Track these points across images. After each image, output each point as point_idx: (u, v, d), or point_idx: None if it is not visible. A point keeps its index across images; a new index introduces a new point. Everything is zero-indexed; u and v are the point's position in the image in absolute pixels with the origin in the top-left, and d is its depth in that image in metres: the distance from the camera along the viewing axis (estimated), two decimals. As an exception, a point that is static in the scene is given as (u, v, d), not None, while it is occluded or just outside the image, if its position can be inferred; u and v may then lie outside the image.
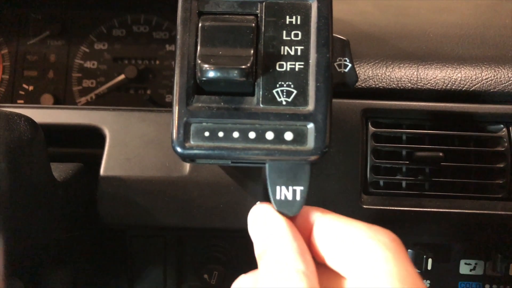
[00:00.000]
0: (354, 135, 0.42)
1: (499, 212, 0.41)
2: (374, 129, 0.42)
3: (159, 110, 0.41)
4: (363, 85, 0.42)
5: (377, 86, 0.42)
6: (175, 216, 0.38)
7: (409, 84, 0.42)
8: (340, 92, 0.41)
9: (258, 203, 0.26)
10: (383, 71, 0.43)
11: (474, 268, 0.47)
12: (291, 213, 0.25)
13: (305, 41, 0.25)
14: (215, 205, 0.38)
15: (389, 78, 0.42)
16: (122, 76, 0.57)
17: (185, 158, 0.25)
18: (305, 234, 0.25)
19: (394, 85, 0.42)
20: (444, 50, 0.45)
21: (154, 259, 0.45)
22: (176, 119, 0.25)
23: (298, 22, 0.25)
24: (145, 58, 0.59)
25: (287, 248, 0.23)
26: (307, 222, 0.25)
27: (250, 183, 0.37)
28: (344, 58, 0.26)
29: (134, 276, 0.46)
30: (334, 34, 0.26)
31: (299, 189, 0.25)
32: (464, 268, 0.47)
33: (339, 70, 0.26)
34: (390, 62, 0.43)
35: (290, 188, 0.25)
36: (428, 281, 0.47)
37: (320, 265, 0.24)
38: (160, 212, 0.39)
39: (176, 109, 0.25)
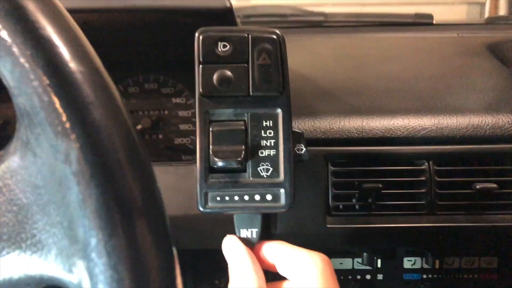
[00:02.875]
0: (318, 172, 0.57)
1: (425, 224, 0.57)
2: (333, 168, 0.57)
3: (177, 163, 0.56)
4: (323, 136, 0.58)
5: (333, 136, 0.58)
6: (194, 241, 0.54)
7: (356, 134, 0.57)
8: (309, 141, 0.57)
9: (227, 235, 0.42)
10: (338, 125, 0.58)
11: (414, 263, 0.63)
12: (251, 246, 0.41)
13: (275, 137, 0.41)
14: (221, 232, 0.54)
15: (342, 130, 0.58)
16: (139, 126, 0.71)
17: (205, 213, 0.41)
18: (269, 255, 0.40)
19: (345, 136, 0.57)
20: (382, 104, 0.61)
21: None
22: (199, 190, 0.40)
23: (271, 125, 0.41)
24: (156, 109, 0.73)
25: (246, 262, 0.39)
26: (271, 248, 0.41)
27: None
28: (300, 145, 0.42)
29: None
30: (293, 130, 0.41)
31: (254, 230, 0.41)
32: (407, 263, 0.63)
33: (297, 153, 0.41)
34: (343, 117, 0.59)
35: (249, 229, 0.41)
36: (381, 275, 0.64)
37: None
38: (183, 238, 0.54)
39: (198, 184, 0.40)
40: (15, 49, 0.19)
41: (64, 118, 0.19)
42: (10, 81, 0.20)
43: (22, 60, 0.19)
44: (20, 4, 0.20)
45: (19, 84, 0.20)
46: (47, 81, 0.19)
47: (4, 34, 0.19)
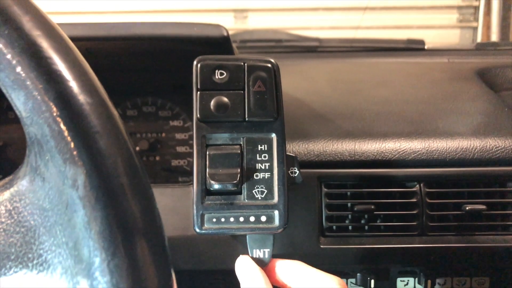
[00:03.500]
0: (312, 194, 0.58)
1: (416, 245, 0.58)
2: (326, 189, 0.59)
3: (174, 185, 0.58)
4: (317, 159, 0.59)
5: (327, 159, 0.59)
6: (190, 262, 0.55)
7: (349, 157, 0.59)
8: (303, 163, 0.59)
9: (240, 255, 0.43)
10: (331, 148, 0.60)
11: (407, 284, 0.64)
12: (263, 266, 0.42)
13: (270, 160, 0.42)
14: (216, 253, 0.55)
15: (335, 153, 0.60)
16: (136, 148, 0.73)
17: (201, 235, 0.42)
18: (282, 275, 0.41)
19: (338, 158, 0.59)
20: (374, 127, 0.63)
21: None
22: (195, 212, 0.42)
23: (265, 149, 0.43)
24: (154, 132, 0.75)
25: (259, 282, 0.40)
26: (287, 266, 0.42)
27: (240, 239, 0.54)
28: (294, 168, 0.43)
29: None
30: (287, 153, 0.43)
31: (266, 250, 0.42)
32: (400, 283, 0.64)
33: (291, 175, 0.43)
34: (336, 140, 0.61)
35: (262, 250, 0.42)
36: (375, 295, 0.65)
37: None
38: (179, 259, 0.55)
39: (195, 205, 0.42)
40: (28, 83, 0.21)
41: (72, 146, 0.21)
42: (22, 112, 0.22)
43: (35, 93, 0.21)
44: (34, 42, 0.22)
45: (31, 114, 0.21)
46: (58, 112, 0.21)
47: (19, 70, 0.21)
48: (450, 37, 1.82)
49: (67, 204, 0.21)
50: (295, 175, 0.43)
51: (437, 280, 0.63)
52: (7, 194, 0.24)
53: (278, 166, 0.42)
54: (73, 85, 0.22)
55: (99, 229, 0.20)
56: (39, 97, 0.21)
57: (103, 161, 0.21)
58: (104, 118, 0.22)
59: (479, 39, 1.77)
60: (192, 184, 0.43)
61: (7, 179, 0.25)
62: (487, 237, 0.58)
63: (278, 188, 0.42)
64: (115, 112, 0.24)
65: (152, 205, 0.23)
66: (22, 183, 0.23)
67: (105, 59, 0.63)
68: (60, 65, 0.22)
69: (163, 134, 0.75)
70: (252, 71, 0.42)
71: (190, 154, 0.74)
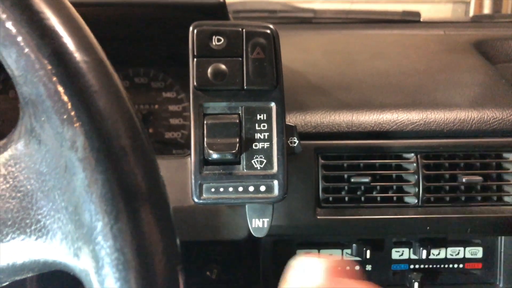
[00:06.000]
0: (309, 165, 0.58)
1: (412, 216, 0.58)
2: (323, 161, 0.58)
3: (169, 157, 0.57)
4: (314, 130, 0.59)
5: (324, 130, 0.59)
6: (186, 233, 0.55)
7: (346, 128, 0.59)
8: (300, 135, 0.58)
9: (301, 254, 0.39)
10: (328, 119, 0.59)
11: (402, 254, 0.64)
12: (262, 235, 0.42)
13: (269, 130, 0.42)
14: (213, 224, 0.55)
15: (332, 124, 0.59)
16: (129, 120, 0.72)
17: (199, 204, 0.42)
18: None
19: (335, 130, 0.58)
20: (372, 98, 0.62)
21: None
22: (193, 181, 0.41)
23: (265, 118, 0.42)
24: (146, 103, 0.74)
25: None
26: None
27: (237, 210, 0.54)
28: (293, 138, 0.43)
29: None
30: (286, 123, 0.42)
31: (266, 220, 0.42)
32: (395, 254, 0.64)
33: (290, 145, 0.42)
34: (333, 111, 0.60)
35: (261, 219, 0.42)
36: (370, 266, 0.65)
37: None
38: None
39: (193, 175, 0.41)
40: (20, 39, 0.20)
41: (69, 106, 0.20)
42: (15, 71, 0.21)
43: (27, 50, 0.20)
44: (25, -5, 0.20)
45: (24, 73, 0.20)
46: (53, 71, 0.20)
47: (10, 25, 0.20)
48: (443, 12, 1.80)
49: (65, 167, 0.20)
50: (295, 145, 0.43)
51: (432, 251, 0.63)
52: (0, 158, 0.23)
53: (277, 136, 0.41)
54: (69, 41, 0.21)
55: (101, 192, 0.19)
56: (32, 54, 0.20)
57: (103, 122, 0.20)
58: (102, 76, 0.21)
59: (471, 14, 1.76)
60: (190, 154, 0.42)
61: (0, 143, 0.24)
62: (481, 208, 0.58)
63: (278, 158, 0.41)
64: (113, 71, 0.22)
65: (155, 168, 0.22)
66: (17, 147, 0.22)
67: (96, 27, 0.61)
68: (54, 20, 0.21)
69: (156, 106, 0.74)
70: (250, 38, 0.41)
71: (184, 127, 0.72)
